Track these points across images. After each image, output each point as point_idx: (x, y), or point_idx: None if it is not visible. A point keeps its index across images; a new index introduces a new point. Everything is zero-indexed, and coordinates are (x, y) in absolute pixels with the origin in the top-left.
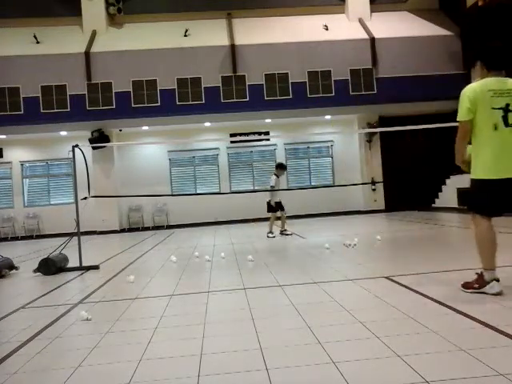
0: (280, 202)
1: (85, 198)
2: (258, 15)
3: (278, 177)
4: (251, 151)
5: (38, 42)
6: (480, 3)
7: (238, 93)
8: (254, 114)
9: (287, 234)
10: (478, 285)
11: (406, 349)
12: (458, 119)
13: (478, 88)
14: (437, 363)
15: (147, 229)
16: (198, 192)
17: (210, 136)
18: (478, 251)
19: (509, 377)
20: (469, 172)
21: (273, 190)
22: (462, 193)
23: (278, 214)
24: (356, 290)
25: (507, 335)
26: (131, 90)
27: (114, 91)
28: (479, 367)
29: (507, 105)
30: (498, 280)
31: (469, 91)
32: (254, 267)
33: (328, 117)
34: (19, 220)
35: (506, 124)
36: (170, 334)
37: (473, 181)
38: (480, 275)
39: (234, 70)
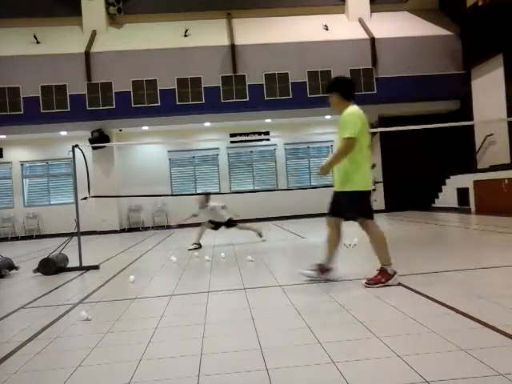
0: (229, 220)
1: (85, 198)
2: (258, 15)
3: (202, 208)
4: (251, 151)
5: (38, 42)
6: (480, 3)
7: (237, 93)
8: (253, 114)
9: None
10: (384, 279)
11: (406, 349)
12: (349, 135)
13: (361, 112)
14: (437, 363)
15: (147, 229)
16: (198, 192)
17: (210, 136)
18: (377, 251)
19: (509, 377)
20: (324, 175)
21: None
22: (343, 208)
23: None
24: (356, 289)
25: (507, 335)
26: (131, 90)
27: (113, 91)
28: (479, 367)
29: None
30: (396, 272)
31: (359, 112)
32: (254, 267)
33: (328, 117)
34: (19, 220)
35: (369, 146)
36: (170, 333)
37: (358, 193)
38: (382, 271)
39: (234, 70)
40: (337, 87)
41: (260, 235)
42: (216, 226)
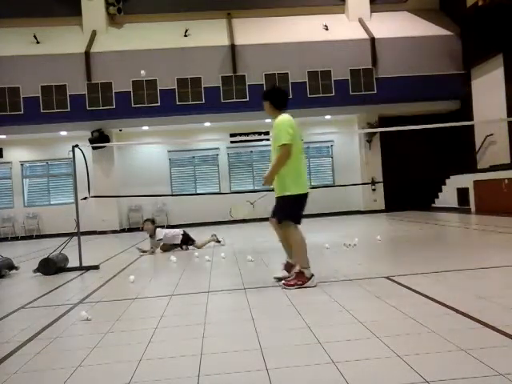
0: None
1: (85, 198)
2: (258, 15)
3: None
4: (251, 151)
5: (38, 42)
6: (480, 3)
7: (237, 93)
8: (253, 114)
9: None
10: (301, 281)
11: (406, 349)
12: (284, 142)
13: (292, 120)
14: (437, 363)
15: None
16: (198, 192)
17: (210, 136)
18: (295, 254)
19: (509, 377)
20: (269, 185)
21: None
22: (276, 209)
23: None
24: (356, 289)
25: (507, 335)
26: (131, 90)
27: (114, 91)
28: (479, 367)
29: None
30: (313, 275)
31: (289, 120)
32: (254, 267)
33: (328, 117)
34: (19, 220)
35: (302, 151)
36: (170, 333)
37: (289, 197)
38: (300, 273)
39: (234, 70)
40: (269, 96)
41: (218, 241)
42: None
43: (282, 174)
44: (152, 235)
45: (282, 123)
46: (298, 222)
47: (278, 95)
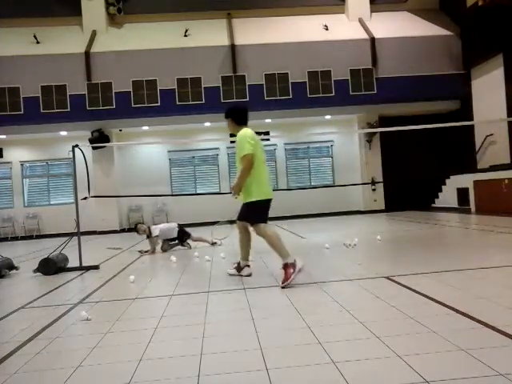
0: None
1: (85, 198)
2: (258, 15)
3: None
4: None
5: (38, 42)
6: (480, 3)
7: (237, 93)
8: (253, 114)
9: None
10: (292, 270)
11: (406, 349)
12: (246, 153)
13: (252, 133)
14: (437, 363)
15: None
16: (198, 192)
17: (210, 136)
18: (274, 249)
19: (509, 377)
20: (238, 195)
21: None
22: (244, 214)
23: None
24: (356, 290)
25: (507, 335)
26: (131, 90)
27: (114, 91)
28: (479, 367)
29: (262, 147)
30: (295, 259)
31: (249, 133)
32: (254, 267)
33: (328, 117)
34: (19, 220)
35: (264, 161)
36: (170, 333)
37: (254, 202)
38: (285, 265)
39: (234, 70)
40: (230, 115)
41: (213, 243)
42: (173, 240)
43: (247, 182)
44: (148, 235)
45: (243, 136)
46: (265, 222)
47: (238, 113)
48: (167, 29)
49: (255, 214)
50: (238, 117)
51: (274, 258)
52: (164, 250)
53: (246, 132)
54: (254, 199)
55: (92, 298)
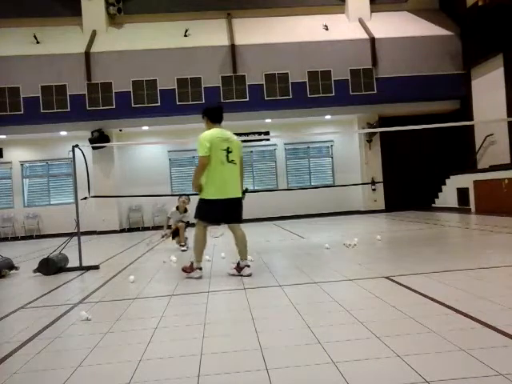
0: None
1: (85, 198)
2: (257, 15)
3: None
4: (251, 151)
5: (38, 42)
6: (480, 3)
7: (237, 93)
8: (254, 114)
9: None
10: (189, 270)
11: (406, 349)
12: (200, 155)
13: (211, 135)
14: (437, 363)
15: (147, 229)
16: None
17: None
18: (193, 248)
19: (509, 377)
20: (198, 191)
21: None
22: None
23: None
24: (356, 290)
25: (507, 335)
26: (131, 90)
27: (114, 91)
28: (479, 367)
29: (228, 148)
30: (201, 268)
31: (207, 135)
32: (254, 267)
33: (328, 117)
34: (19, 220)
35: (228, 161)
36: (170, 333)
37: (204, 200)
38: (192, 263)
39: (234, 70)
40: (205, 113)
41: (181, 245)
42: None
43: (205, 180)
44: (182, 212)
45: (202, 138)
46: (208, 222)
47: (212, 112)
48: (167, 29)
49: (199, 209)
50: (211, 115)
51: (274, 258)
52: (173, 236)
53: (205, 134)
54: (203, 197)
55: (92, 298)
